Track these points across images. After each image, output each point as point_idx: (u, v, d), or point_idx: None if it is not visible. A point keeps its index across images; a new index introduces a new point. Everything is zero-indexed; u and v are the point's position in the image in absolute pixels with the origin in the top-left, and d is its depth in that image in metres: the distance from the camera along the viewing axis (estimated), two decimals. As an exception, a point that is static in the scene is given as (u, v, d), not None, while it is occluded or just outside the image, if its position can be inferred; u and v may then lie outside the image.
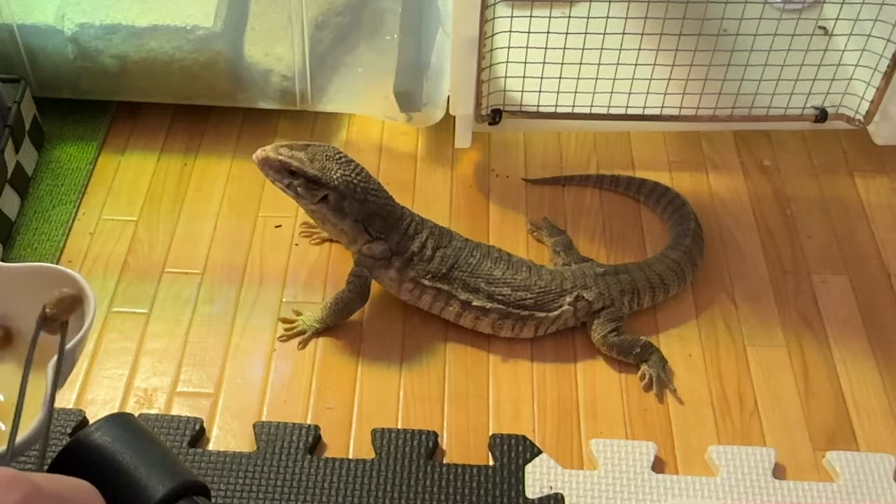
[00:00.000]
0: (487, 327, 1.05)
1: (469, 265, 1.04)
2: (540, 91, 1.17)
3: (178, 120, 1.32)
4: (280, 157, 0.99)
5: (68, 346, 0.63)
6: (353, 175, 1.00)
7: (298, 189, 1.00)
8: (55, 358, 0.62)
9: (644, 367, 1.04)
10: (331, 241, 1.16)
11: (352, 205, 1.00)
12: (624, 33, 1.12)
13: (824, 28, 1.26)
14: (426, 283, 1.04)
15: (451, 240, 1.06)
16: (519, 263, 1.07)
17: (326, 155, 1.00)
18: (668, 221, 1.19)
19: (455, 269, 1.04)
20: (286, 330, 1.07)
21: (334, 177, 0.99)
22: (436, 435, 0.98)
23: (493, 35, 1.12)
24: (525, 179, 1.26)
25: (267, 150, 0.99)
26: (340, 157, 1.01)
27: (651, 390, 1.03)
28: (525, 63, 1.14)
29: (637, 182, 1.23)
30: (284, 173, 0.99)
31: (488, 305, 1.04)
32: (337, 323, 1.07)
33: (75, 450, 0.53)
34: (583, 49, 1.12)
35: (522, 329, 1.05)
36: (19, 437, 0.59)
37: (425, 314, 1.08)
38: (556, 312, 1.04)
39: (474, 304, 1.03)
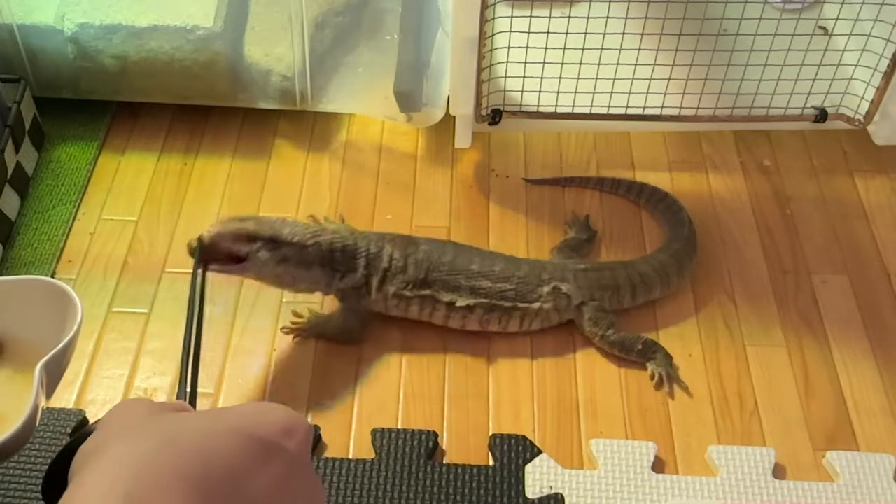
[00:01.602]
0: (475, 324, 1.05)
1: (444, 264, 1.04)
2: (540, 91, 1.17)
3: (178, 120, 1.32)
4: (231, 229, 0.97)
5: (56, 350, 0.64)
6: (294, 226, 1.01)
7: (259, 254, 0.98)
8: (44, 360, 0.63)
9: (652, 367, 1.04)
10: None
11: (310, 253, 1.01)
12: (624, 33, 1.12)
13: (824, 28, 1.26)
14: (409, 293, 1.04)
15: (418, 245, 1.06)
16: (494, 256, 1.07)
17: (263, 219, 1.01)
18: (664, 226, 1.19)
19: (432, 271, 1.04)
20: (293, 323, 1.07)
21: (287, 233, 0.99)
22: (436, 435, 0.98)
23: (493, 35, 1.12)
24: (525, 179, 1.26)
25: (214, 229, 0.97)
26: (274, 220, 1.01)
27: (662, 388, 1.03)
28: (525, 63, 1.14)
29: (637, 186, 1.22)
30: (243, 241, 0.98)
31: (472, 302, 1.04)
32: (336, 342, 1.07)
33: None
34: (583, 49, 1.12)
35: (509, 322, 1.05)
36: (5, 436, 0.59)
37: (425, 314, 1.08)
38: (536, 304, 1.04)
39: (458, 304, 1.03)
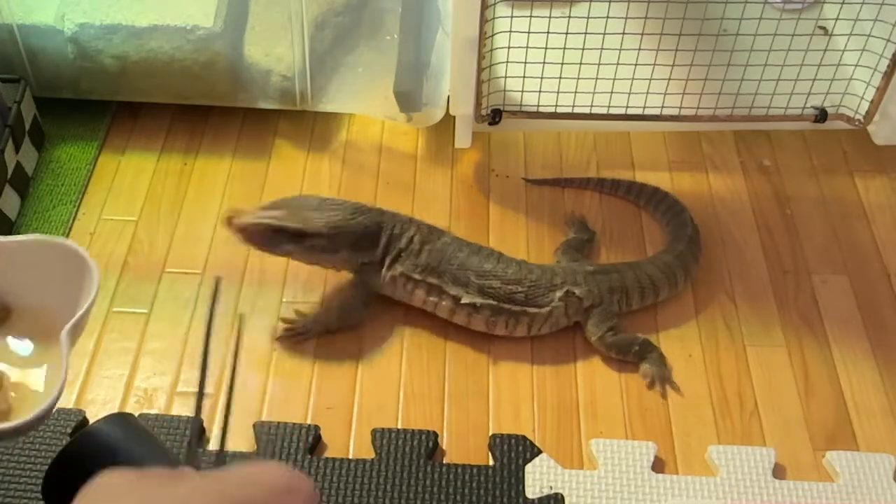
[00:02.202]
0: (481, 324, 1.05)
1: (458, 258, 1.05)
2: (540, 91, 1.17)
3: (178, 120, 1.32)
4: (260, 221, 1.00)
5: (78, 315, 0.62)
6: (329, 215, 1.03)
7: (285, 246, 1.02)
8: (68, 325, 0.61)
9: (645, 366, 1.04)
10: None
11: (340, 239, 1.03)
12: (624, 33, 1.12)
13: (824, 28, 1.26)
14: (416, 276, 1.04)
15: (441, 236, 1.07)
16: (509, 259, 1.07)
17: (298, 205, 1.03)
18: (667, 227, 1.19)
19: (444, 262, 1.05)
20: (286, 331, 1.07)
21: (318, 224, 1.02)
22: (436, 435, 0.98)
23: (493, 35, 1.12)
24: (525, 179, 1.26)
25: (244, 218, 1.00)
26: (310, 204, 1.03)
27: (654, 388, 1.03)
28: (525, 63, 1.14)
29: (637, 187, 1.22)
30: (269, 234, 1.01)
31: (479, 302, 1.04)
32: (339, 328, 1.07)
33: (86, 442, 0.53)
34: (583, 49, 1.12)
35: (516, 327, 1.05)
36: (31, 415, 0.59)
37: (425, 314, 1.08)
38: (547, 309, 1.04)
39: (464, 300, 1.03)
